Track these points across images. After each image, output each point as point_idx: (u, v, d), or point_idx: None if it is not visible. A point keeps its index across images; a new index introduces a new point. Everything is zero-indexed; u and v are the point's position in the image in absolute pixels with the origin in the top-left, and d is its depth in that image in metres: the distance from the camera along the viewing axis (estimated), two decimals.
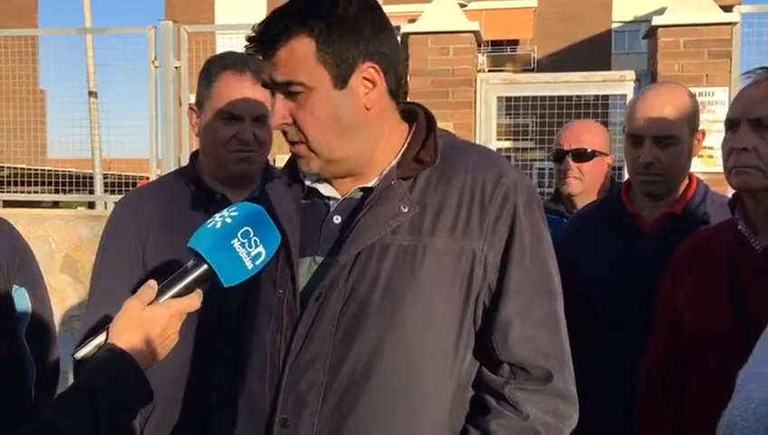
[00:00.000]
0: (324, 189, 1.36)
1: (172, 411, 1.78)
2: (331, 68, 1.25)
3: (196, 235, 1.23)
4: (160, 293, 1.22)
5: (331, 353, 1.25)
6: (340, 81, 1.26)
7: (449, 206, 1.28)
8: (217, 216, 1.25)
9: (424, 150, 1.32)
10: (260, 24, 1.28)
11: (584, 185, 2.59)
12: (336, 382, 1.24)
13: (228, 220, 1.23)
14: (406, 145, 1.34)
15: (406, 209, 1.27)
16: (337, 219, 1.33)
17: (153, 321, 1.19)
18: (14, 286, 2.10)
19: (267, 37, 1.25)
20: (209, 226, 1.23)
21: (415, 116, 1.39)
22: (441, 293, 1.26)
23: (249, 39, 1.28)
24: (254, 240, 1.23)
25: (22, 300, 2.10)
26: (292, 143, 1.31)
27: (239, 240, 1.21)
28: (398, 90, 1.33)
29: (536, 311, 1.29)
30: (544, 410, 1.26)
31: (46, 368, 2.10)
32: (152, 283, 1.23)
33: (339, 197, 1.35)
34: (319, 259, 1.31)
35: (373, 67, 1.27)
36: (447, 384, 1.27)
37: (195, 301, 1.25)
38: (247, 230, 1.22)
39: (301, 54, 1.24)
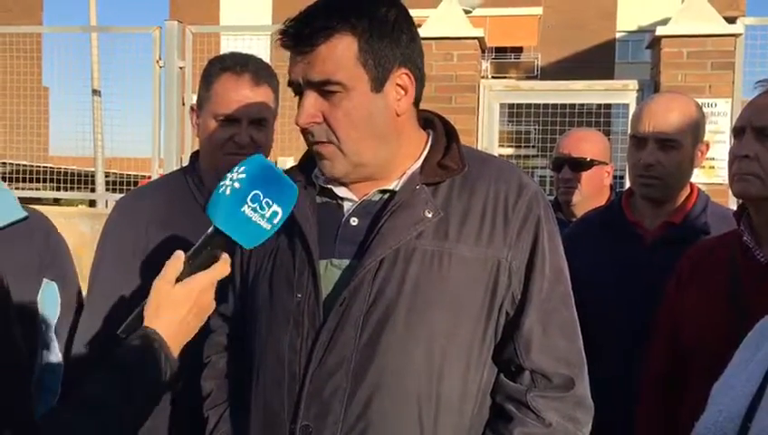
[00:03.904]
0: (339, 190, 1.34)
1: (162, 411, 1.77)
2: (371, 70, 1.23)
3: (212, 202, 1.21)
4: (187, 265, 1.22)
5: (354, 359, 1.23)
6: (378, 84, 1.24)
7: (474, 214, 1.28)
8: (228, 178, 1.22)
9: (448, 157, 1.32)
10: (296, 18, 1.24)
11: (582, 194, 2.59)
12: (360, 389, 1.23)
13: (237, 185, 1.20)
14: (426, 150, 1.34)
15: (430, 215, 1.26)
16: (354, 221, 1.31)
17: (183, 300, 1.20)
18: (45, 280, 2.12)
19: (306, 32, 1.21)
20: (221, 190, 1.21)
21: (430, 123, 1.39)
22: (466, 299, 1.26)
23: (284, 33, 1.24)
24: (266, 202, 1.20)
25: (53, 295, 2.11)
26: (316, 143, 1.28)
27: (249, 205, 1.19)
28: (419, 99, 1.33)
29: (556, 319, 1.30)
30: (564, 418, 1.26)
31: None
32: (179, 254, 1.23)
33: (354, 198, 1.33)
34: (336, 262, 1.29)
35: (407, 74, 1.27)
36: (470, 390, 1.27)
37: (223, 268, 1.24)
38: (257, 194, 1.20)
39: (342, 53, 1.21)
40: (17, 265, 2.11)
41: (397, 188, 1.30)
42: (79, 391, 1.11)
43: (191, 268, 1.22)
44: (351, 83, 1.23)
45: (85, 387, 1.12)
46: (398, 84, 1.27)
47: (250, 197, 1.20)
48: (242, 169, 1.23)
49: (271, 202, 1.20)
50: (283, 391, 1.28)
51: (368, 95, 1.24)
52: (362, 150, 1.27)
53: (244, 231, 1.20)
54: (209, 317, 1.28)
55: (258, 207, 1.20)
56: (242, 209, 1.19)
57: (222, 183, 1.22)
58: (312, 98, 1.25)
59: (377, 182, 1.32)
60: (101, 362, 1.17)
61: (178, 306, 1.20)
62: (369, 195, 1.32)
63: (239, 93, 1.80)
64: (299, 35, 1.22)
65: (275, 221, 1.21)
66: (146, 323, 1.19)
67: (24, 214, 2.17)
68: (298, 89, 1.27)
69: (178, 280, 1.22)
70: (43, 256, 2.11)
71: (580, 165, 2.58)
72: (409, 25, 1.29)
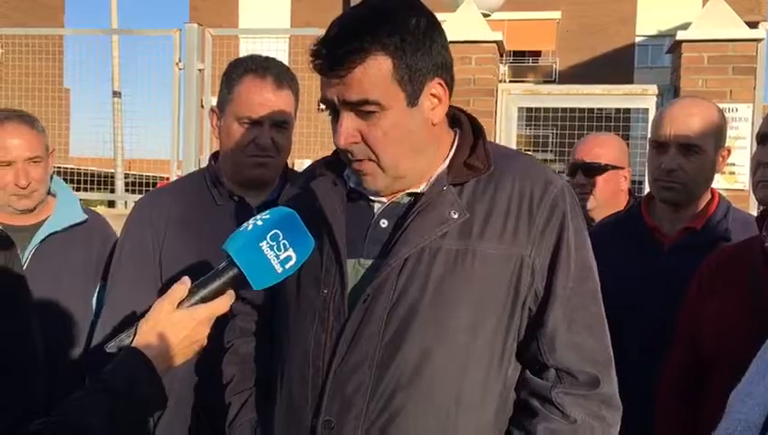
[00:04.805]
0: (369, 192, 1.34)
1: (181, 410, 1.79)
2: (406, 86, 1.22)
3: (231, 236, 1.24)
4: (192, 293, 1.23)
5: (377, 356, 1.25)
6: (413, 99, 1.24)
7: (498, 212, 1.28)
8: (252, 218, 1.25)
9: (474, 156, 1.32)
10: (326, 39, 1.22)
11: (596, 199, 2.56)
12: (382, 385, 1.24)
13: (259, 223, 1.23)
14: (454, 150, 1.34)
15: (456, 215, 1.27)
16: (384, 223, 1.32)
17: (180, 325, 1.20)
18: (102, 282, 2.15)
19: (340, 55, 1.20)
20: (242, 228, 1.23)
21: (457, 120, 1.39)
22: (489, 297, 1.26)
23: (316, 54, 1.23)
24: (284, 243, 1.22)
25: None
26: (356, 161, 1.28)
27: (267, 243, 1.22)
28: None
29: (582, 316, 1.29)
30: (590, 416, 1.26)
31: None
32: (186, 280, 1.24)
33: (384, 200, 1.34)
34: (364, 262, 1.31)
35: (440, 83, 1.27)
36: (493, 387, 1.28)
37: (224, 304, 1.25)
38: (276, 233, 1.22)
39: (377, 73, 1.20)
40: (76, 266, 2.17)
41: (425, 190, 1.30)
42: (64, 415, 1.09)
43: (195, 297, 1.23)
44: (388, 102, 1.22)
45: (70, 411, 1.10)
46: (431, 94, 1.27)
47: (270, 234, 1.22)
48: (267, 211, 1.26)
49: (288, 245, 1.23)
50: (307, 384, 1.30)
51: (404, 111, 1.24)
52: (401, 165, 1.28)
53: (256, 267, 1.22)
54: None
55: (275, 247, 1.22)
56: (260, 244, 1.21)
57: (245, 223, 1.24)
58: (349, 119, 1.24)
59: (409, 186, 1.33)
60: (90, 382, 1.15)
61: (175, 331, 1.20)
62: (398, 196, 1.33)
63: (262, 96, 1.81)
64: (332, 58, 1.21)
65: (287, 266, 1.23)
66: (140, 340, 1.19)
67: (85, 217, 2.24)
68: (333, 108, 1.27)
69: (179, 306, 1.22)
70: (100, 257, 2.16)
71: (594, 170, 2.56)
72: (439, 32, 1.27)
